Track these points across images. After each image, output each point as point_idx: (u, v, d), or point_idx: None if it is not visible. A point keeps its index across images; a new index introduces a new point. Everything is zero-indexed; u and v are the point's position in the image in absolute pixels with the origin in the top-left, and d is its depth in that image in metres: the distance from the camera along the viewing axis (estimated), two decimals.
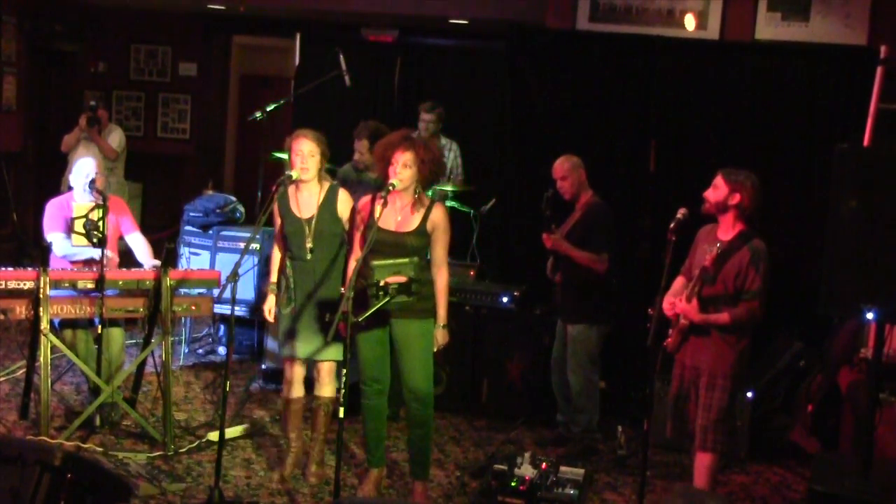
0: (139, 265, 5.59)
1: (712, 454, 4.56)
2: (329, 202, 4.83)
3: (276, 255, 4.96)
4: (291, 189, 4.82)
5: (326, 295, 4.80)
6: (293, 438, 5.04)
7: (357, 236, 4.71)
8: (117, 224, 5.64)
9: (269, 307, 4.91)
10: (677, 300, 4.56)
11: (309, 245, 4.77)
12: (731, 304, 4.45)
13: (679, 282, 4.72)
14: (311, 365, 4.97)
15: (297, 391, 5.00)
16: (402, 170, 4.47)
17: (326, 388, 4.94)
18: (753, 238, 4.48)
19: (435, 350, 4.64)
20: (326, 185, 4.86)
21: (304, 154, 4.72)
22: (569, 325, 5.57)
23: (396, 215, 4.58)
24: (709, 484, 4.62)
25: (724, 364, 4.49)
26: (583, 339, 5.51)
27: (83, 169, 5.56)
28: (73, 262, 5.46)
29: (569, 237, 5.49)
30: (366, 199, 4.69)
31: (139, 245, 5.68)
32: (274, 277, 4.94)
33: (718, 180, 4.52)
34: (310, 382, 5.04)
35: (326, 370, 4.92)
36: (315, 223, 4.78)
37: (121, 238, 5.71)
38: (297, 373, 4.97)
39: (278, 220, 4.87)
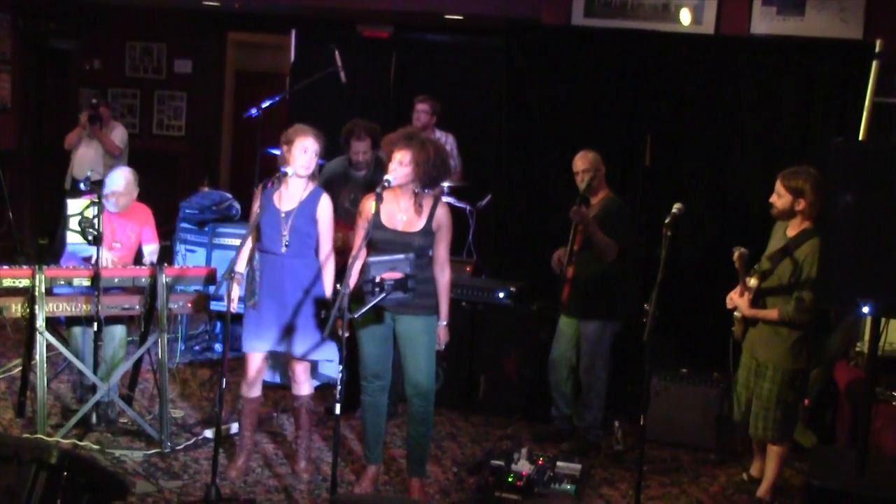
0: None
1: (774, 443, 4.80)
2: (311, 202, 4.80)
3: (248, 246, 4.79)
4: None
5: (296, 293, 4.77)
6: (247, 436, 5.00)
7: (359, 235, 4.69)
8: (140, 233, 5.69)
9: (235, 296, 4.77)
10: (733, 293, 4.83)
11: (285, 239, 4.74)
12: (785, 296, 4.66)
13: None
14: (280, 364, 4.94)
15: (257, 390, 4.96)
16: (399, 167, 4.47)
17: (304, 387, 4.94)
18: (813, 237, 4.64)
19: (441, 348, 4.65)
20: (312, 185, 4.84)
21: (311, 152, 4.72)
22: (581, 322, 5.52)
23: (401, 215, 4.56)
24: (776, 472, 4.85)
25: (775, 355, 4.71)
26: (596, 337, 5.47)
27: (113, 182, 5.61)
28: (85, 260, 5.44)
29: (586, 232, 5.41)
30: (369, 198, 4.67)
31: (152, 256, 5.73)
32: (240, 267, 4.77)
33: (780, 187, 4.72)
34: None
35: (302, 369, 4.90)
36: (293, 218, 4.75)
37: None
38: (259, 370, 4.90)
39: (257, 211, 4.75)
